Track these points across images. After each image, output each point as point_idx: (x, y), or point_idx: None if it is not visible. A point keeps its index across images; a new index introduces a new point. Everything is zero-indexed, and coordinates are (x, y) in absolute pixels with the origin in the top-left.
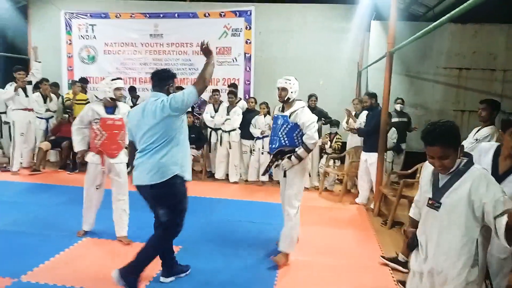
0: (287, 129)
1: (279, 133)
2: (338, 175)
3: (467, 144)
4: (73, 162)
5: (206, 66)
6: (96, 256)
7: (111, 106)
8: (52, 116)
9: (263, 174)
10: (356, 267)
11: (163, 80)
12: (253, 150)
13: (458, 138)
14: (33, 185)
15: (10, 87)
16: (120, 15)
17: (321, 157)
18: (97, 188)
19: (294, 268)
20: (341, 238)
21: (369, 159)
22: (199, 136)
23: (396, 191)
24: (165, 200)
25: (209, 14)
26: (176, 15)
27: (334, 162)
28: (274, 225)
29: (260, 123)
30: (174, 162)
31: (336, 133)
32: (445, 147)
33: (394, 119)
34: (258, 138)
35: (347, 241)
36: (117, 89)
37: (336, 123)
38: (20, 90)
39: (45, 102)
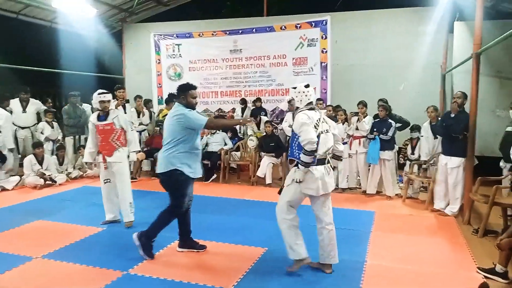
0: (293, 139)
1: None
2: (423, 182)
3: None
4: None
5: (231, 121)
6: (189, 254)
7: (103, 114)
8: (145, 129)
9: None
10: (446, 275)
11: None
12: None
13: None
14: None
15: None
16: (202, 34)
17: (403, 163)
18: (105, 182)
19: (379, 274)
20: (427, 246)
21: (450, 163)
22: (278, 145)
23: (488, 198)
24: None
25: (285, 27)
26: (254, 30)
27: (419, 169)
28: (354, 231)
29: (338, 131)
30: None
31: (418, 138)
32: None
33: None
34: None
35: (434, 249)
36: (101, 102)
37: (416, 128)
38: (120, 107)
39: (138, 116)
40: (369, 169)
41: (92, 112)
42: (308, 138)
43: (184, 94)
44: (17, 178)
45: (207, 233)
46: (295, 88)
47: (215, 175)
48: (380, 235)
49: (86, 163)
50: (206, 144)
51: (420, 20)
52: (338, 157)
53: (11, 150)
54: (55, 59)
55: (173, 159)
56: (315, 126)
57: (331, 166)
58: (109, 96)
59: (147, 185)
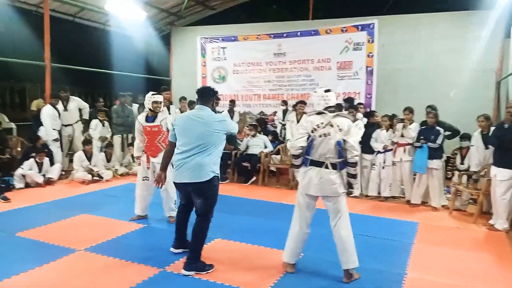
0: None
1: None
2: (472, 194)
3: None
4: None
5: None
6: (225, 255)
7: (152, 115)
8: None
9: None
10: None
11: (208, 96)
12: (374, 164)
13: None
14: None
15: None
16: (247, 37)
17: (451, 174)
18: (143, 179)
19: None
20: (473, 261)
21: (499, 175)
22: None
23: None
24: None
25: (330, 30)
26: (298, 33)
27: (468, 180)
28: (395, 241)
29: (383, 137)
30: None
31: (468, 147)
32: None
33: None
34: (379, 152)
35: (480, 265)
36: (155, 102)
37: (467, 136)
38: (164, 108)
39: None
40: (414, 178)
41: (138, 112)
42: (291, 143)
43: (214, 98)
44: (59, 165)
45: (243, 235)
46: (315, 92)
47: (254, 178)
48: (423, 247)
49: (133, 157)
50: (247, 147)
51: (472, 24)
52: (350, 164)
53: (55, 140)
54: (107, 60)
55: (213, 166)
56: (312, 130)
57: (339, 172)
58: (161, 97)
59: None
